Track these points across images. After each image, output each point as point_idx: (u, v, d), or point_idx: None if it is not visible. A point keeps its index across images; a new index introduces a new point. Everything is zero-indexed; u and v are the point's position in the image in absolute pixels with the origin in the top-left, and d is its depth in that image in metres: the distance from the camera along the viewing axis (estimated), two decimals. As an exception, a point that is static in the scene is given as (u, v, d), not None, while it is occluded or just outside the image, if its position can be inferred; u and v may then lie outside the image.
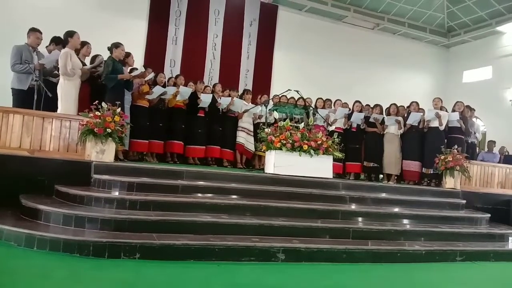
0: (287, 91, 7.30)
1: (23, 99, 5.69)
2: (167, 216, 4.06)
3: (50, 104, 5.67)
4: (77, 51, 6.06)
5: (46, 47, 6.44)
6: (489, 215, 6.01)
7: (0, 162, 4.55)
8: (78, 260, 3.37)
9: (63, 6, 9.65)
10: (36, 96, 5.48)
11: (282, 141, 5.76)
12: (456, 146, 6.81)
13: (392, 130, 7.51)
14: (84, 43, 6.22)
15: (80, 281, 2.97)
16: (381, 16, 13.05)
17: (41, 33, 6.08)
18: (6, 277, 2.89)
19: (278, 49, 12.05)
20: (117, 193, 4.47)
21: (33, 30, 6.03)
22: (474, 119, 8.61)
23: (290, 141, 5.77)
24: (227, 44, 11.42)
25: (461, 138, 7.42)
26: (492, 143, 10.35)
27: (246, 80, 11.63)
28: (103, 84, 5.91)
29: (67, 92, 5.66)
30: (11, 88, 5.86)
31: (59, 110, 5.61)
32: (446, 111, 7.60)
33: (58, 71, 5.96)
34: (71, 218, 3.85)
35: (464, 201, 6.22)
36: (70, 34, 5.79)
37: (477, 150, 9.55)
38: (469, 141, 8.01)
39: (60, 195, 4.47)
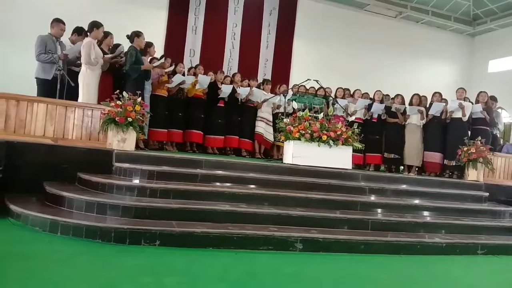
0: (306, 80, 7.24)
1: (48, 88, 5.79)
2: (187, 204, 4.11)
3: (72, 93, 5.78)
4: (100, 41, 6.13)
5: (69, 38, 6.53)
6: (513, 208, 5.87)
7: (25, 150, 4.68)
8: (100, 246, 3.45)
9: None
10: (59, 85, 5.59)
11: (301, 131, 5.73)
12: (479, 138, 6.64)
13: (414, 120, 7.37)
14: (107, 34, 6.27)
15: (102, 266, 3.05)
16: (404, 4, 12.77)
17: (64, 24, 6.17)
18: (31, 261, 2.99)
19: (298, 38, 11.95)
20: (137, 181, 4.54)
21: (57, 21, 6.12)
22: (498, 110, 8.38)
23: (309, 131, 5.73)
24: (246, 33, 11.39)
25: (486, 129, 7.22)
26: (518, 134, 10.06)
27: (265, 69, 11.59)
28: (124, 73, 5.97)
29: (89, 81, 5.75)
30: (36, 78, 5.98)
31: (80, 99, 5.72)
32: (470, 101, 7.41)
33: (80, 61, 6.06)
34: (93, 205, 3.94)
35: (487, 194, 6.08)
36: (96, 25, 5.85)
37: (501, 142, 9.29)
38: (493, 133, 7.80)
39: (83, 183, 4.57)
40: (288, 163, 5.75)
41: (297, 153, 5.73)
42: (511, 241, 4.90)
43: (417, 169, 7.43)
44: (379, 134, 7.65)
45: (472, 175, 6.62)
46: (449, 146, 7.11)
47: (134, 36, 5.98)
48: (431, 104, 7.42)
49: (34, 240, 3.48)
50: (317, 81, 7.01)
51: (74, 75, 5.90)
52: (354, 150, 6.14)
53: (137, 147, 5.68)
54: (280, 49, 11.76)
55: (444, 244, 4.42)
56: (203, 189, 4.49)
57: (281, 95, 7.52)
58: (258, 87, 7.97)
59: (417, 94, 7.60)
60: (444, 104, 7.34)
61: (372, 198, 5.25)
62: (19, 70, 7.47)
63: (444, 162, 7.23)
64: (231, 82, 7.75)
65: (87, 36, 5.96)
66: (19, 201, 4.07)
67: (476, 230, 5.01)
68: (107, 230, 3.55)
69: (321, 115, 6.08)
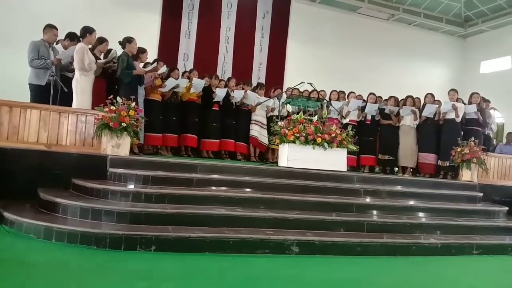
0: (300, 83, 7.25)
1: (41, 94, 5.74)
2: (182, 209, 4.10)
3: (66, 99, 5.74)
4: (93, 47, 6.10)
5: (61, 42, 6.50)
6: (507, 208, 5.90)
7: (19, 157, 4.65)
8: (95, 252, 3.43)
9: (76, 1, 9.74)
10: (53, 91, 5.56)
11: (295, 134, 5.74)
12: (473, 138, 6.69)
13: (408, 122, 7.41)
14: (102, 40, 6.24)
15: (97, 272, 3.03)
16: (396, 6, 12.85)
17: (57, 29, 6.14)
18: (26, 268, 2.96)
19: (291, 42, 11.97)
20: (132, 186, 4.52)
21: (50, 27, 6.08)
22: (491, 111, 8.45)
23: (304, 134, 5.74)
24: (240, 37, 11.38)
25: (478, 130, 7.28)
26: (511, 135, 10.12)
27: (259, 73, 11.58)
28: (117, 79, 5.95)
29: (83, 87, 5.72)
30: (29, 84, 5.93)
31: (74, 105, 5.68)
32: (463, 102, 7.47)
33: (73, 66, 6.02)
34: (88, 211, 3.92)
35: (481, 194, 6.12)
36: (89, 30, 5.82)
37: (495, 142, 9.36)
38: (485, 133, 7.87)
39: (77, 189, 4.54)
40: (283, 166, 5.75)
41: (292, 156, 5.73)
42: (506, 241, 4.95)
43: (411, 170, 7.47)
44: (373, 136, 7.68)
45: (466, 175, 6.66)
46: (443, 147, 7.15)
47: (126, 42, 5.97)
48: (424, 105, 7.47)
49: (28, 248, 3.44)
50: (311, 84, 7.03)
51: (67, 81, 5.87)
52: (348, 152, 6.16)
53: (132, 152, 5.66)
54: (274, 52, 11.76)
55: (440, 245, 4.44)
56: (198, 194, 4.48)
57: (275, 98, 7.54)
58: (253, 91, 7.98)
59: (411, 96, 7.64)
60: (437, 105, 7.39)
61: (368, 200, 5.27)
62: (14, 76, 7.40)
63: (438, 163, 7.27)
64: (226, 87, 7.75)
65: (79, 41, 5.93)
66: (13, 208, 4.04)
67: (471, 230, 5.03)
68: (102, 236, 3.53)
69: (315, 118, 6.10)
